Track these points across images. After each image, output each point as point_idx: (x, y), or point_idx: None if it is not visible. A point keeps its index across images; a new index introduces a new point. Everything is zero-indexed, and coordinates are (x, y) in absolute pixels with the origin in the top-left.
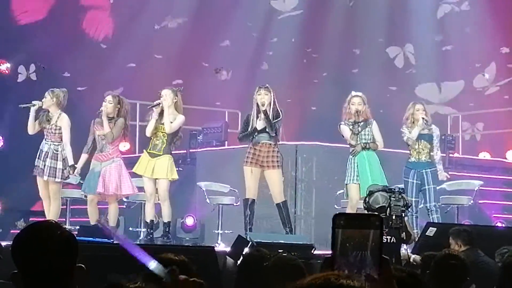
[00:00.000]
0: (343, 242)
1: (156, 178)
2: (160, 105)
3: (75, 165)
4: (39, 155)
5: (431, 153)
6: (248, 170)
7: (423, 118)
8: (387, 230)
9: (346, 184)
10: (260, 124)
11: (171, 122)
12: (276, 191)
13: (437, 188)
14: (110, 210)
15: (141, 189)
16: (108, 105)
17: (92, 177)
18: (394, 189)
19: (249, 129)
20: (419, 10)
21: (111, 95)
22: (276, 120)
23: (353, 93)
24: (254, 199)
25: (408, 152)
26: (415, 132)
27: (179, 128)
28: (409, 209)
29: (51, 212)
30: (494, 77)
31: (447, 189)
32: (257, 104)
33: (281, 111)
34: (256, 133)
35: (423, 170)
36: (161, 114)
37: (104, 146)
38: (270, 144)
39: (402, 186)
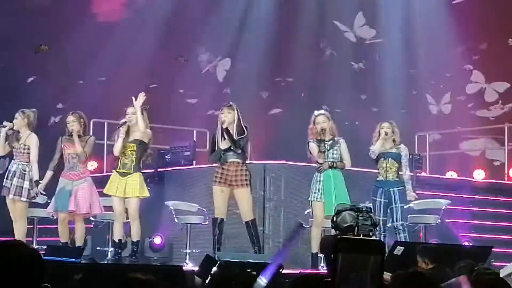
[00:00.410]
0: (344, 266)
1: (128, 197)
2: (127, 123)
3: (40, 181)
4: (7, 175)
5: (399, 172)
6: (217, 189)
7: (385, 133)
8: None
9: (310, 200)
10: (224, 143)
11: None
12: (245, 209)
13: (405, 207)
14: (77, 229)
15: (109, 208)
16: (73, 124)
17: (63, 195)
18: (362, 208)
19: (216, 149)
20: None
21: (71, 114)
22: (240, 137)
23: (316, 112)
24: (223, 218)
25: (375, 170)
26: (378, 144)
27: (146, 145)
28: (377, 228)
29: (17, 232)
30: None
31: (415, 208)
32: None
33: (246, 128)
34: (222, 152)
35: (391, 189)
36: (127, 132)
37: (75, 165)
38: (238, 162)
39: (369, 205)
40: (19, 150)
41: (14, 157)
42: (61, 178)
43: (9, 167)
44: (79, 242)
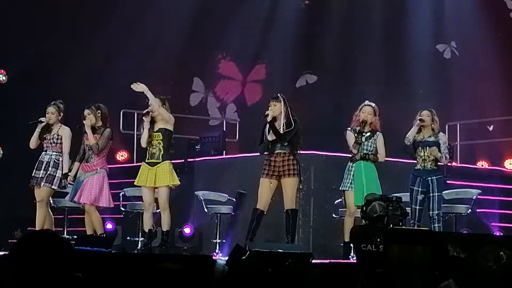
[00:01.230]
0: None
1: (158, 187)
2: (149, 113)
3: (69, 173)
4: (37, 166)
5: (438, 162)
6: (265, 181)
7: (421, 120)
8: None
9: (341, 189)
10: (271, 135)
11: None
12: (288, 197)
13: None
14: (92, 219)
15: (139, 198)
16: (89, 117)
17: (76, 186)
18: (392, 198)
19: (263, 140)
20: None
21: (86, 108)
22: (287, 130)
23: (366, 102)
24: (264, 211)
25: (407, 161)
26: (412, 131)
27: (171, 133)
28: (407, 217)
29: (37, 220)
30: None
31: (445, 198)
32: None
33: (295, 120)
34: (270, 144)
35: (429, 178)
36: (152, 122)
37: (90, 157)
38: (285, 153)
39: (399, 195)
40: (52, 141)
41: (46, 148)
42: (79, 170)
43: (40, 158)
44: (99, 231)
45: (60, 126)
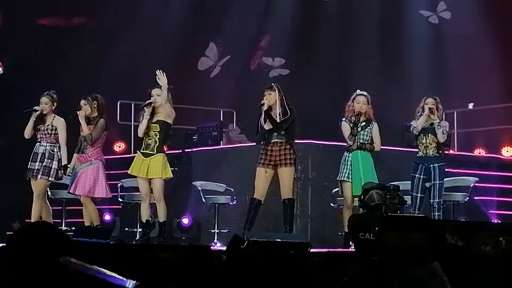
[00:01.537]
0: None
1: (151, 178)
2: (152, 104)
3: (68, 165)
4: (33, 158)
5: (439, 150)
6: (261, 171)
7: (430, 109)
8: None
9: (339, 180)
10: (267, 124)
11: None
12: (285, 187)
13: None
14: (88, 210)
15: (136, 189)
16: (84, 108)
17: (72, 177)
18: (389, 186)
19: (260, 130)
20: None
21: (83, 99)
22: (283, 119)
23: (358, 91)
24: (261, 201)
25: (404, 149)
26: (421, 120)
27: (169, 125)
28: (408, 206)
29: (33, 212)
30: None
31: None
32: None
33: (291, 109)
34: (267, 133)
35: (431, 165)
36: (152, 113)
37: (85, 148)
38: (281, 142)
39: (396, 183)
40: (46, 132)
41: (39, 139)
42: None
43: (34, 150)
44: (96, 223)
45: (54, 116)
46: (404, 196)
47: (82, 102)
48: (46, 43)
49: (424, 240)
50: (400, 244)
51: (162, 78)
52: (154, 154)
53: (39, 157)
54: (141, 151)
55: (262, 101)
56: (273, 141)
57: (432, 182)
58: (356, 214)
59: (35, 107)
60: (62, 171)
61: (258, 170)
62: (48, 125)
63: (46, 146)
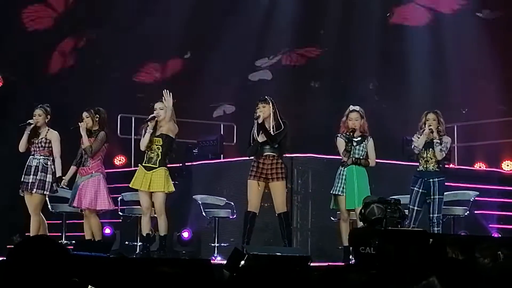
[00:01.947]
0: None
1: (153, 192)
2: (155, 119)
3: (63, 177)
4: (26, 171)
5: (440, 164)
6: (253, 183)
7: (430, 129)
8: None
9: (332, 193)
10: (261, 137)
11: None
12: (278, 201)
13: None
14: (91, 224)
15: (137, 202)
16: (86, 121)
17: (74, 191)
18: (390, 200)
19: (253, 143)
20: None
21: (85, 111)
22: (277, 132)
23: (351, 107)
24: (256, 213)
25: (403, 163)
26: (421, 140)
27: (172, 140)
28: (406, 220)
29: (32, 227)
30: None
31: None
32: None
33: (284, 122)
34: (259, 146)
35: (431, 179)
36: (155, 127)
37: (86, 160)
38: (274, 156)
39: (396, 197)
40: (40, 145)
41: (33, 152)
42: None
43: (28, 163)
44: (97, 237)
45: (48, 129)
46: (405, 210)
47: (84, 114)
48: (46, 54)
49: (421, 253)
50: (398, 257)
51: (168, 99)
52: (156, 168)
53: (32, 170)
54: (143, 164)
55: (257, 114)
56: (265, 154)
57: (432, 197)
58: (356, 227)
59: (29, 121)
60: (56, 184)
61: (249, 182)
62: (42, 138)
63: (39, 159)
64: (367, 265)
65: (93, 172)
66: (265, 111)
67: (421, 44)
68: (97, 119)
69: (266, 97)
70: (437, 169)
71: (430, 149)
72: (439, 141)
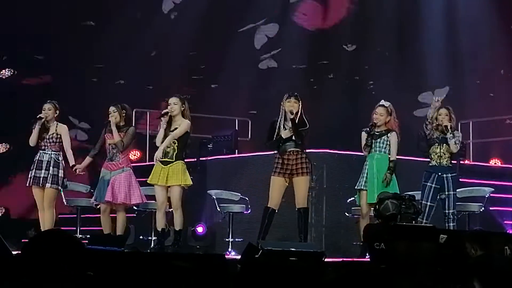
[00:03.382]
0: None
1: (170, 185)
2: (169, 113)
3: (75, 164)
4: (37, 166)
5: (452, 160)
6: (277, 180)
7: (446, 126)
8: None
9: (357, 189)
10: (285, 133)
11: (176, 128)
12: (300, 196)
13: (457, 195)
14: (118, 219)
15: (152, 197)
16: (113, 115)
17: (102, 186)
18: (405, 196)
19: (275, 137)
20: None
21: (112, 106)
22: (302, 129)
23: (382, 102)
24: (275, 210)
25: (419, 159)
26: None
27: (187, 134)
28: (420, 215)
29: (46, 222)
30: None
31: (458, 196)
32: (285, 111)
33: (307, 120)
34: (282, 142)
35: (444, 175)
36: (169, 122)
37: (114, 155)
38: (298, 151)
39: (411, 193)
40: (50, 140)
41: (43, 147)
42: (102, 169)
43: (38, 157)
44: (119, 232)
45: (57, 124)
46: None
47: (112, 108)
48: (57, 51)
49: (431, 249)
50: (408, 253)
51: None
52: (173, 162)
53: (44, 165)
54: (160, 159)
55: (292, 109)
56: (289, 150)
57: (447, 192)
58: (371, 223)
59: (39, 115)
60: (66, 180)
61: (273, 179)
62: (52, 133)
63: (51, 154)
64: (382, 261)
65: (124, 167)
66: (295, 107)
67: (437, 41)
68: (123, 114)
69: (296, 93)
70: (450, 165)
71: (444, 144)
72: (452, 135)
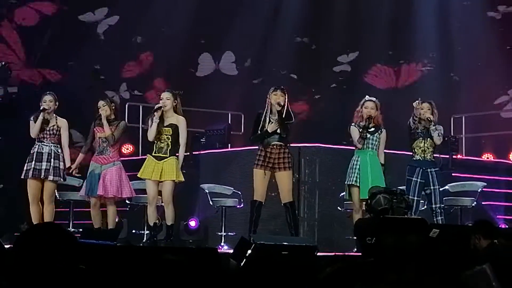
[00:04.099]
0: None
1: (163, 180)
2: (161, 108)
3: (71, 166)
4: (36, 158)
5: (435, 154)
6: (259, 172)
7: (428, 118)
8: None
9: (347, 184)
10: (271, 126)
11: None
12: (285, 191)
13: (441, 189)
14: (109, 213)
15: (142, 191)
16: (103, 108)
17: (92, 179)
18: (396, 190)
19: (260, 130)
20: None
21: (101, 100)
22: (288, 122)
23: (367, 97)
24: (262, 202)
25: (410, 153)
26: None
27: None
28: (409, 209)
29: (47, 216)
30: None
31: (450, 191)
32: (271, 104)
33: (293, 114)
34: (266, 135)
35: (428, 169)
36: (161, 117)
37: (105, 149)
38: (281, 145)
39: (403, 187)
40: (50, 132)
41: (43, 139)
42: (91, 162)
43: (37, 149)
44: (111, 225)
45: (57, 117)
46: None
47: (101, 102)
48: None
49: (420, 242)
50: (397, 246)
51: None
52: (167, 157)
53: (45, 157)
54: (153, 154)
55: (279, 101)
56: (273, 143)
57: (432, 187)
58: (363, 218)
59: (43, 106)
60: (66, 173)
61: (255, 171)
62: (53, 125)
63: (51, 146)
64: (369, 254)
65: (115, 160)
66: (282, 100)
67: (430, 38)
68: (113, 107)
69: (282, 87)
70: (433, 159)
71: (428, 138)
72: (434, 128)
